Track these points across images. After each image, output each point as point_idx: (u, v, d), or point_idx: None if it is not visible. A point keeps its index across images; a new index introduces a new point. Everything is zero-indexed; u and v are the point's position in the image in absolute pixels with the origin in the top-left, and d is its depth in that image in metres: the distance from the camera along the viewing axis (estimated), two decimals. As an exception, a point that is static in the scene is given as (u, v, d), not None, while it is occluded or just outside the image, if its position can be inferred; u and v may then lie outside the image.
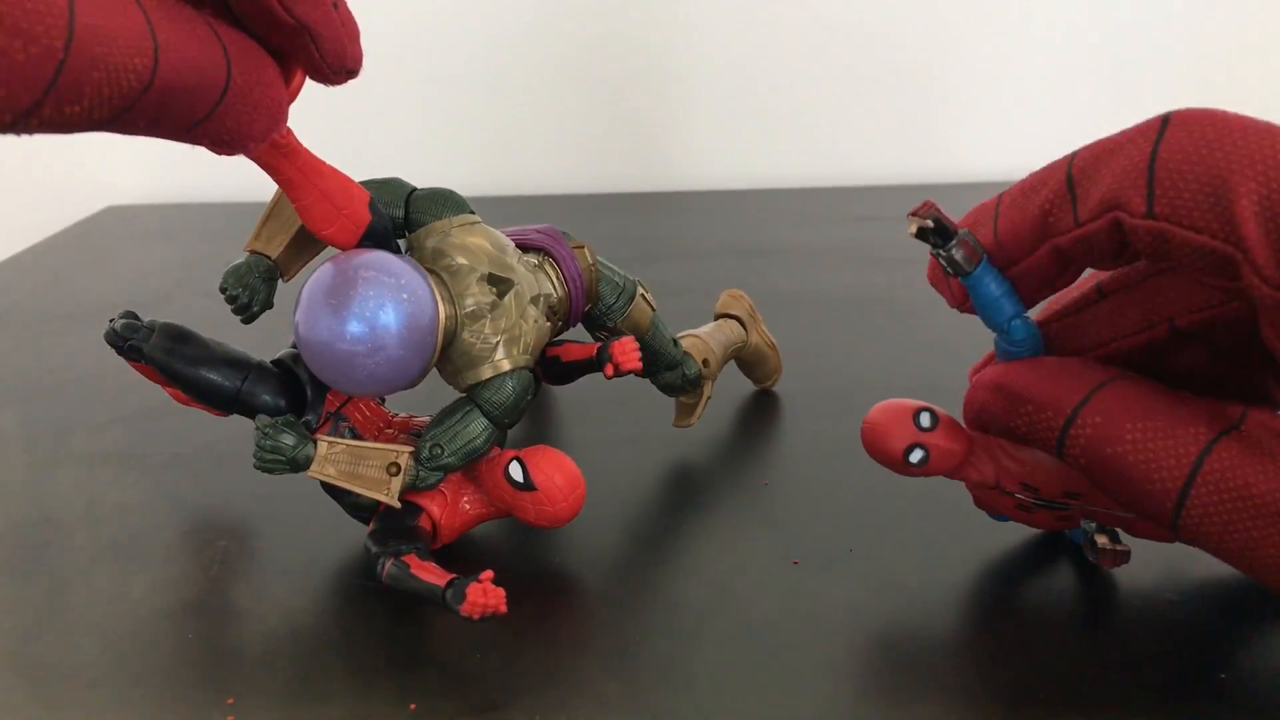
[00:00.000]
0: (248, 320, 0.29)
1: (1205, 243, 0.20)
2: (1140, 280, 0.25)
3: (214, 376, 0.29)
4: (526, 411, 0.30)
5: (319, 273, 0.27)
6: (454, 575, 0.26)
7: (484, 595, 0.25)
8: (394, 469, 0.28)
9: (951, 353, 0.46)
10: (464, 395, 0.29)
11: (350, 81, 0.23)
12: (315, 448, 0.28)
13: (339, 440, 0.28)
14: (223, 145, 0.21)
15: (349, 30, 0.22)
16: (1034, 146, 0.80)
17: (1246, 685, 0.25)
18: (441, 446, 0.28)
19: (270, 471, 0.27)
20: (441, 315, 0.28)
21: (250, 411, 0.29)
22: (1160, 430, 0.23)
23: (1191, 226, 0.20)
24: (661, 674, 0.26)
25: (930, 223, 0.25)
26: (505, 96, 0.78)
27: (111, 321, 0.30)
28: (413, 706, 0.25)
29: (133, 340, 0.29)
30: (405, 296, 0.26)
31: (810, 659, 0.26)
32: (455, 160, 0.79)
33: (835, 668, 0.26)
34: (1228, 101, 0.78)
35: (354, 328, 0.26)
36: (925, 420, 0.27)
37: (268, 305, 0.29)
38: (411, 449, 0.28)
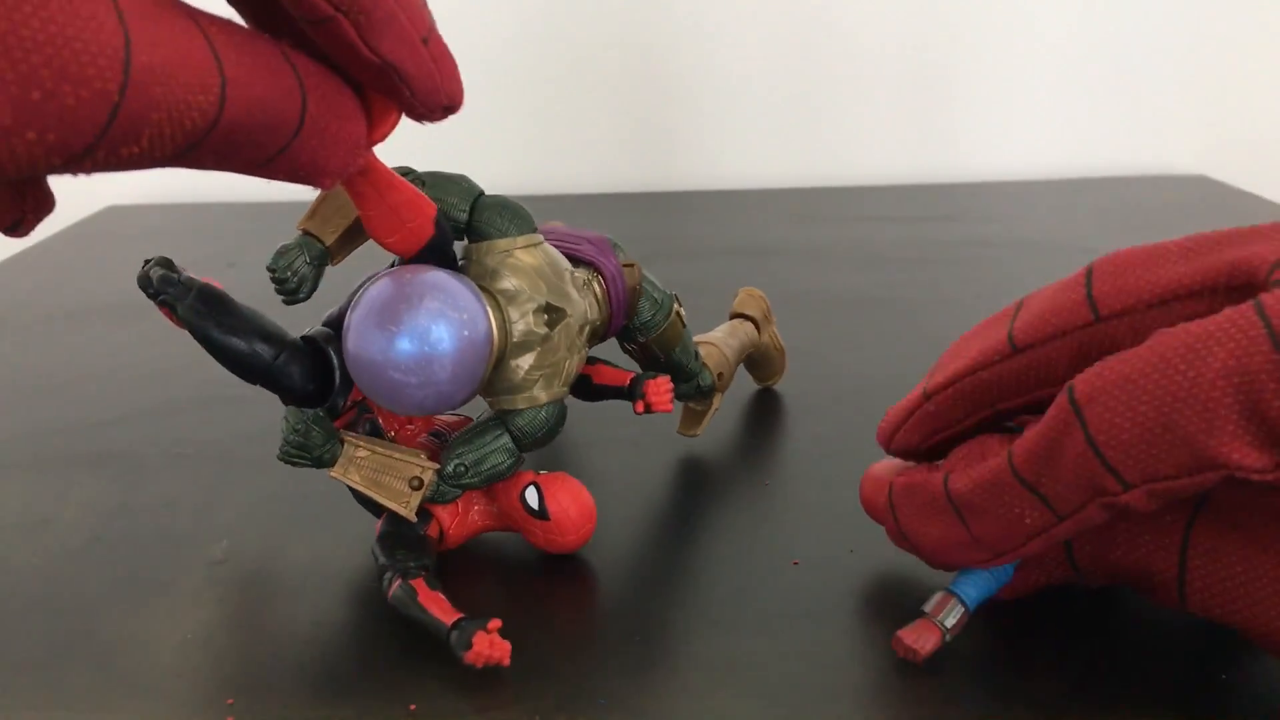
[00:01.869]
0: (291, 303, 0.28)
1: (1193, 482, 0.20)
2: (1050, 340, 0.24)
3: (247, 348, 0.27)
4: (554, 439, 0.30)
5: (379, 288, 0.26)
6: (460, 615, 0.26)
7: (489, 647, 0.25)
8: (416, 483, 0.28)
9: (952, 353, 0.46)
10: (495, 417, 0.29)
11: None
12: (342, 448, 0.27)
13: (365, 443, 0.27)
14: (298, 179, 0.20)
15: (442, 68, 0.21)
16: (1034, 147, 0.80)
17: (1246, 685, 0.25)
18: (466, 466, 0.28)
19: (292, 464, 0.27)
20: (495, 343, 0.27)
21: (277, 388, 0.28)
22: (1143, 522, 0.24)
23: (1169, 476, 0.20)
24: (662, 673, 0.26)
25: (928, 651, 0.25)
26: (512, 98, 0.78)
27: (146, 265, 0.28)
28: (413, 707, 0.25)
29: (166, 295, 0.27)
30: (466, 333, 0.26)
31: (810, 659, 0.26)
32: (464, 160, 0.78)
33: (835, 668, 0.26)
34: (1226, 104, 0.78)
35: (408, 356, 0.25)
36: None
37: (313, 291, 0.28)
38: (436, 466, 0.28)
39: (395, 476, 0.28)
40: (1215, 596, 0.23)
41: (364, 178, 0.24)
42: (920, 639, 0.25)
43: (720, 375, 0.37)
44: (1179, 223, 0.67)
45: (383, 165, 0.24)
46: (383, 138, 0.22)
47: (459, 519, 0.30)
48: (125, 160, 0.16)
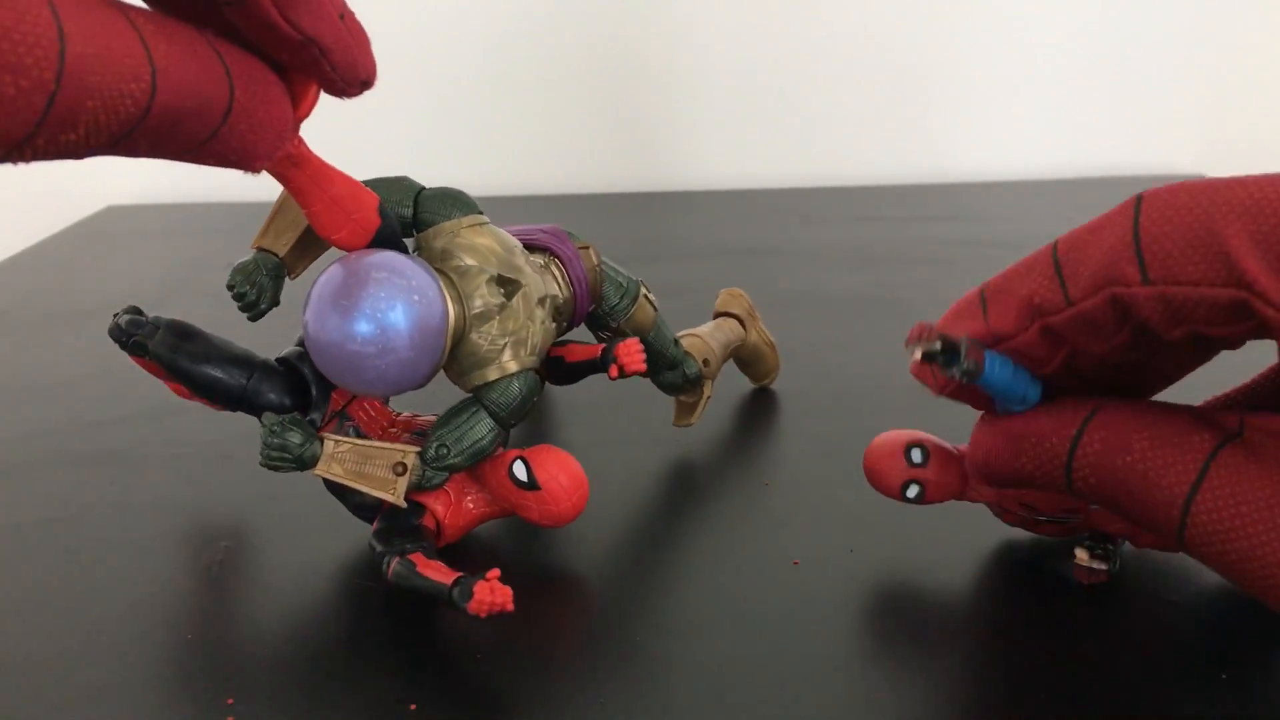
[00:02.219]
0: (255, 318, 0.29)
1: (1209, 293, 0.20)
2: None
3: (219, 374, 0.29)
4: (531, 412, 0.30)
5: (329, 272, 0.27)
6: (460, 574, 0.26)
7: (491, 593, 0.25)
8: (400, 469, 0.28)
9: (951, 353, 0.46)
10: (470, 396, 0.29)
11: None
12: (322, 446, 0.28)
13: (345, 439, 0.28)
14: (228, 164, 0.21)
15: (358, 40, 0.22)
16: (1032, 147, 0.80)
17: (1246, 685, 0.25)
18: (448, 447, 0.28)
19: (276, 469, 0.27)
20: (451, 316, 0.28)
21: (256, 410, 0.29)
22: (1166, 439, 0.23)
23: (1191, 282, 0.20)
24: (662, 674, 0.26)
25: (938, 344, 0.24)
26: (506, 97, 0.78)
27: (116, 316, 0.29)
28: (413, 706, 0.25)
29: (137, 336, 0.29)
30: (416, 298, 0.26)
31: (811, 659, 0.26)
32: (456, 160, 0.79)
33: (836, 668, 0.26)
34: (1225, 104, 0.78)
35: (364, 328, 0.26)
36: (916, 456, 0.28)
37: (275, 303, 0.29)
38: (418, 449, 0.28)
39: (378, 465, 0.28)
40: (1222, 523, 0.22)
41: (299, 169, 0.24)
42: (925, 333, 0.24)
43: (706, 362, 0.37)
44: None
45: (317, 158, 0.25)
46: (304, 116, 0.23)
47: (453, 509, 0.30)
48: (64, 148, 0.17)
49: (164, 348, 0.28)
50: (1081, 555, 0.28)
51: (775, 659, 0.26)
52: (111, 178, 0.79)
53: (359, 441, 0.28)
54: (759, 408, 0.41)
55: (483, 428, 0.29)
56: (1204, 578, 0.29)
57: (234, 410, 0.30)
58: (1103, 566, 0.28)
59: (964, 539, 0.31)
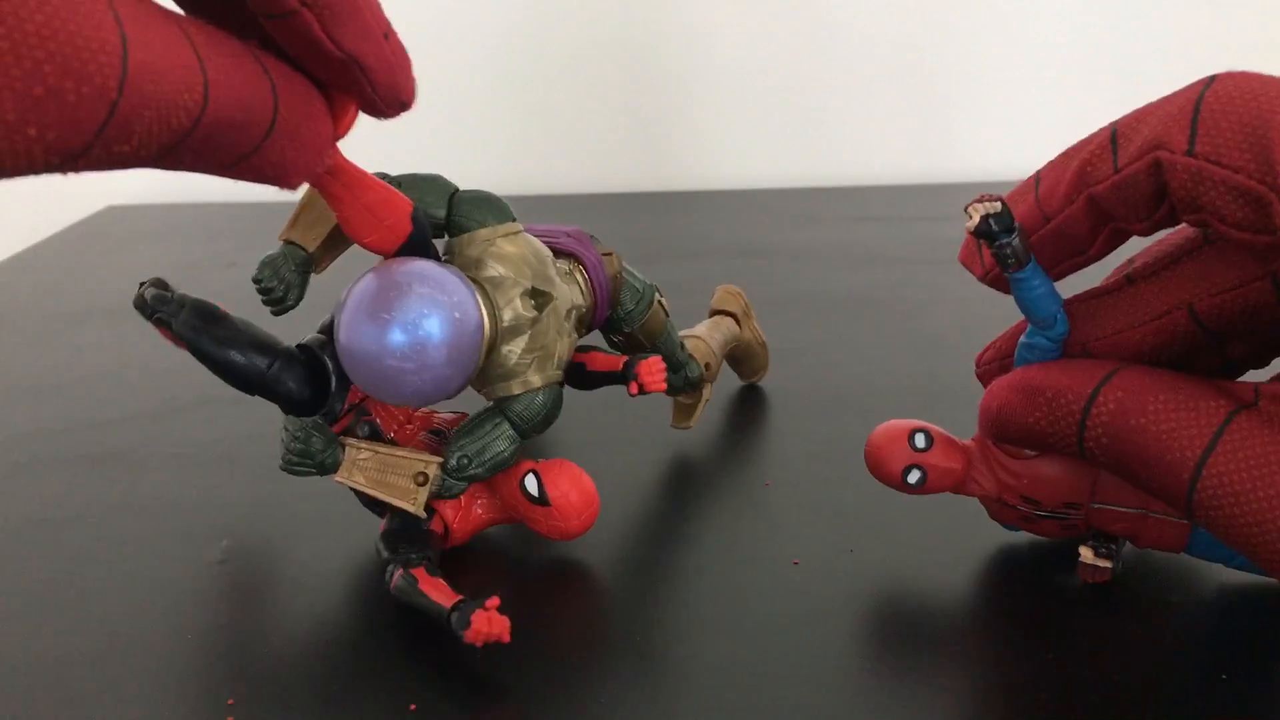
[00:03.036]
0: (280, 313, 0.28)
1: (1241, 182, 0.21)
2: (1167, 265, 0.25)
3: (241, 359, 0.28)
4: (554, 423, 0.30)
5: (367, 281, 0.26)
6: (460, 597, 0.26)
7: (488, 624, 0.25)
8: (421, 479, 0.28)
9: (952, 352, 0.46)
10: (493, 406, 0.29)
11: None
12: (344, 453, 0.27)
13: (367, 445, 0.28)
14: (266, 180, 0.21)
15: (400, 62, 0.21)
16: (1035, 146, 0.80)
17: (1247, 685, 0.25)
18: (469, 458, 0.28)
19: (296, 474, 0.27)
20: (486, 329, 0.27)
21: (274, 396, 0.29)
22: (1182, 402, 0.23)
23: (1229, 166, 0.21)
24: (662, 673, 0.26)
25: (999, 205, 0.24)
26: (510, 97, 0.78)
27: (142, 287, 0.29)
28: (413, 707, 0.25)
29: (161, 313, 0.28)
30: (456, 315, 0.26)
31: (811, 659, 0.26)
32: (461, 160, 0.79)
33: (836, 668, 0.26)
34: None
35: (403, 345, 0.25)
36: (920, 441, 0.28)
37: (300, 299, 0.28)
38: (440, 459, 0.28)
39: (399, 474, 0.28)
40: (1232, 488, 0.22)
41: (334, 178, 0.24)
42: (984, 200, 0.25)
43: (708, 366, 0.37)
44: (1179, 223, 0.67)
45: (352, 165, 0.24)
46: (343, 134, 0.22)
47: (462, 513, 0.30)
48: (115, 159, 0.16)
49: (188, 329, 0.28)
50: (1086, 553, 0.28)
51: (775, 659, 0.26)
52: (111, 178, 0.79)
53: (381, 449, 0.28)
54: (759, 408, 0.41)
55: (504, 440, 0.29)
56: (1204, 580, 0.29)
57: (250, 394, 0.29)
58: (1107, 565, 0.28)
59: (964, 540, 0.31)
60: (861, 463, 0.29)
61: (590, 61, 0.77)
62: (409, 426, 0.30)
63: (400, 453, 0.28)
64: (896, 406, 0.40)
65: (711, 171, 0.80)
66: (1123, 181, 0.23)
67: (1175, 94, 0.23)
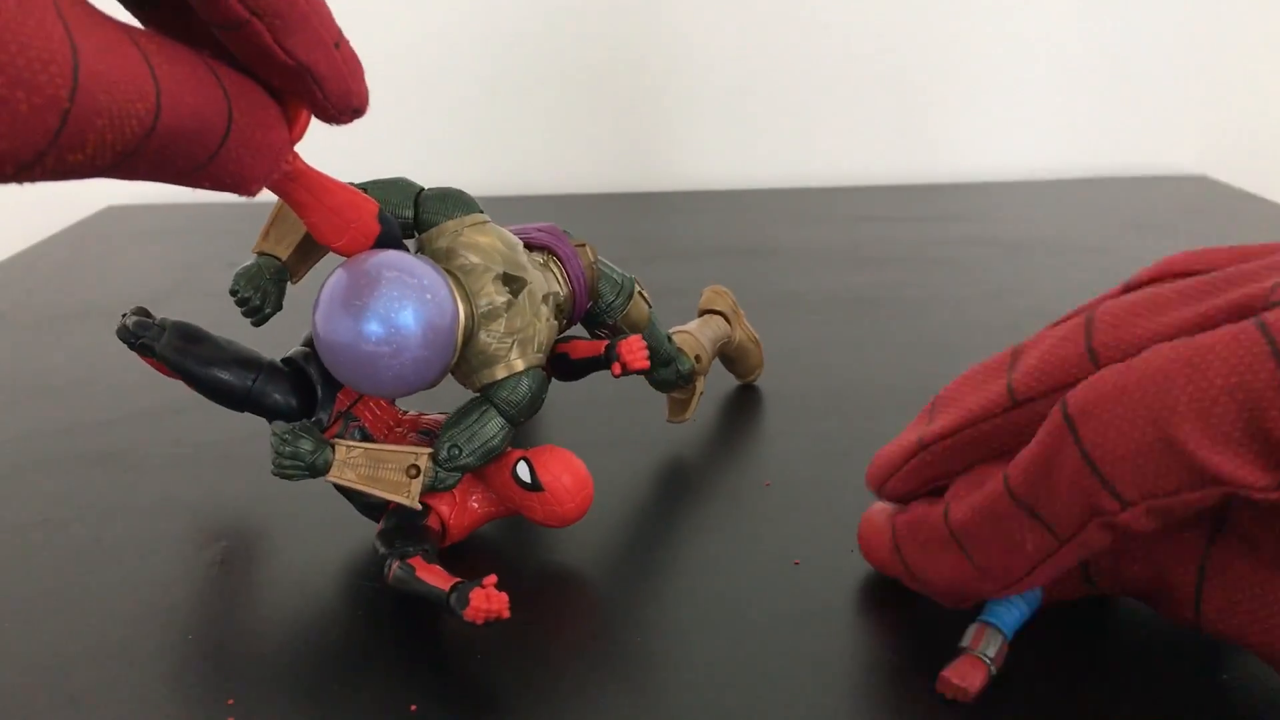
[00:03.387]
0: (259, 323, 0.29)
1: (1193, 499, 0.19)
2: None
3: (225, 376, 0.29)
4: (540, 409, 0.30)
5: (337, 274, 0.27)
6: (458, 580, 0.26)
7: (487, 601, 0.25)
8: (413, 471, 0.28)
9: (951, 352, 0.46)
10: (478, 395, 0.29)
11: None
12: (333, 452, 0.27)
13: (356, 444, 0.28)
14: (224, 188, 0.21)
15: (352, 69, 0.21)
16: (1032, 147, 0.80)
17: (1247, 685, 0.25)
18: (459, 447, 0.28)
19: (289, 478, 0.27)
20: (461, 315, 0.28)
21: (262, 410, 0.29)
22: (1160, 543, 0.24)
23: (1169, 493, 0.20)
24: (662, 673, 0.26)
25: (978, 688, 0.24)
26: (505, 97, 0.78)
27: (124, 317, 0.29)
28: (413, 707, 0.25)
29: (144, 338, 0.29)
30: (428, 297, 0.26)
31: (811, 659, 0.26)
32: (455, 161, 0.79)
33: (836, 668, 0.26)
34: (1225, 104, 0.78)
35: (377, 329, 0.26)
36: None
37: (278, 308, 0.29)
38: (430, 450, 0.28)
39: (391, 469, 0.28)
40: (1230, 616, 0.23)
41: (297, 184, 0.24)
42: (967, 676, 0.24)
43: (698, 358, 0.37)
44: (1179, 223, 0.67)
45: (313, 170, 0.25)
46: (296, 139, 0.23)
47: (458, 509, 0.30)
48: (70, 168, 0.16)
49: (170, 350, 0.29)
50: None
51: (775, 659, 0.26)
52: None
53: (370, 446, 0.28)
54: (758, 408, 0.41)
55: (493, 426, 0.29)
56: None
57: (240, 411, 0.30)
58: None
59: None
60: (861, 463, 0.29)
61: (583, 63, 0.77)
62: (398, 429, 0.30)
63: (390, 447, 0.28)
64: (896, 406, 0.40)
65: (708, 172, 0.81)
66: (1081, 544, 0.21)
67: (1051, 445, 0.21)
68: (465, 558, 0.31)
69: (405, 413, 0.31)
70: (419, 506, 0.28)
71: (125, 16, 0.20)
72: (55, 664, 0.27)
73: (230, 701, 0.25)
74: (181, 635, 0.28)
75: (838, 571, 0.30)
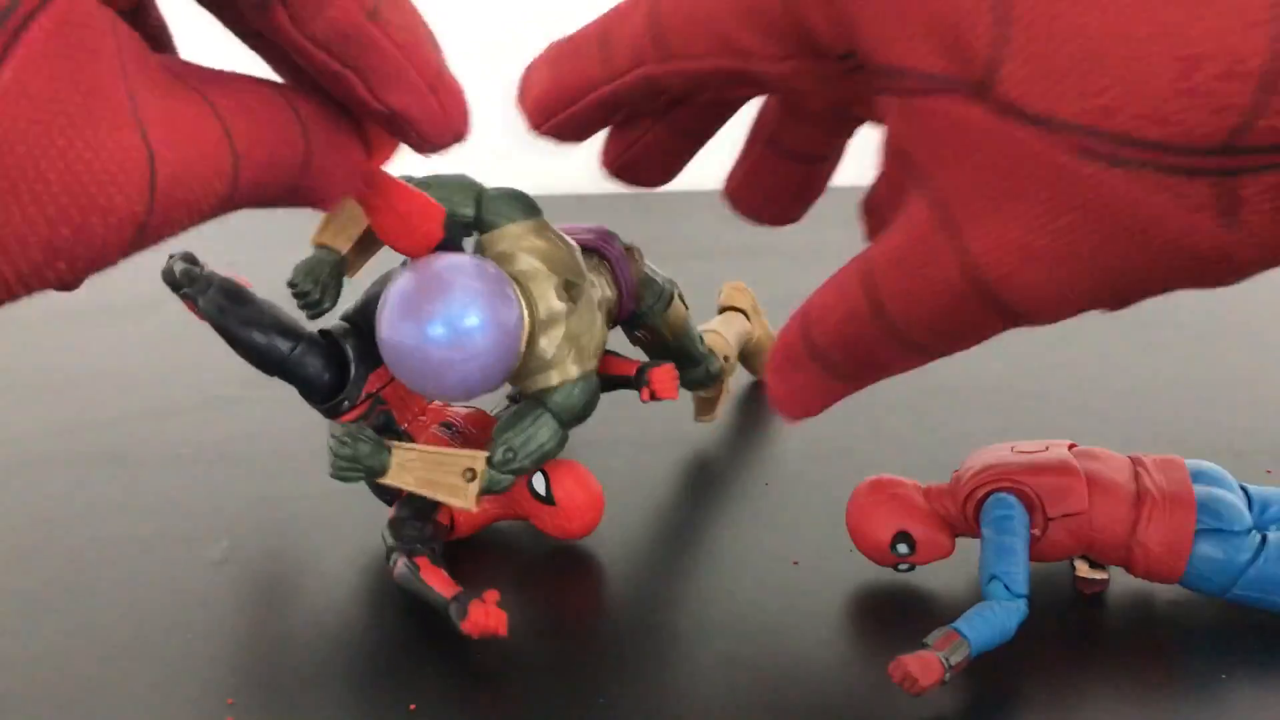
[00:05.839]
0: (315, 316, 0.28)
1: (715, 65, 0.22)
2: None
3: (265, 340, 0.29)
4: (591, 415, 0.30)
5: (406, 277, 0.27)
6: (460, 589, 0.26)
7: (485, 617, 0.25)
8: (469, 474, 0.28)
9: (952, 353, 0.46)
10: (532, 398, 0.29)
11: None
12: (390, 455, 0.27)
13: (413, 447, 0.28)
14: (300, 206, 0.21)
15: (448, 110, 0.21)
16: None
17: (1247, 685, 0.25)
18: (514, 450, 0.28)
19: (346, 480, 0.27)
20: (526, 321, 0.27)
21: (294, 379, 0.29)
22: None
23: (697, 55, 0.22)
24: (662, 673, 0.26)
25: (928, 685, 0.24)
26: (510, 98, 0.78)
27: (171, 259, 0.29)
28: (413, 706, 0.25)
29: (188, 291, 0.29)
30: (496, 303, 0.26)
31: (810, 659, 0.26)
32: (459, 160, 0.79)
33: (836, 668, 0.26)
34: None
35: (445, 335, 0.26)
36: (904, 549, 0.28)
37: (335, 302, 0.28)
38: (486, 454, 0.28)
39: (448, 472, 0.28)
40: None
41: (370, 188, 0.24)
42: (923, 671, 0.24)
43: (726, 359, 0.38)
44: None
45: (390, 177, 0.25)
46: (383, 162, 0.23)
47: None
48: (141, 250, 0.16)
49: (213, 307, 0.29)
50: (1081, 567, 0.28)
51: (775, 659, 0.26)
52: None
53: (426, 449, 0.28)
54: (758, 408, 0.41)
55: (547, 431, 0.29)
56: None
57: (269, 374, 0.29)
58: (1103, 576, 0.28)
59: (963, 540, 0.31)
60: (861, 463, 0.29)
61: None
62: (422, 418, 0.30)
63: (446, 451, 0.28)
64: (895, 406, 0.40)
65: (711, 171, 0.80)
66: (622, 88, 0.23)
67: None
68: (471, 551, 0.31)
69: (431, 402, 0.31)
70: (475, 509, 0.28)
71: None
72: (55, 663, 0.27)
73: (230, 701, 0.25)
74: (181, 635, 0.28)
75: (838, 571, 0.30)
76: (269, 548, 0.32)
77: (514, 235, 0.29)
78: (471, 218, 0.29)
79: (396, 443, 0.28)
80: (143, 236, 0.15)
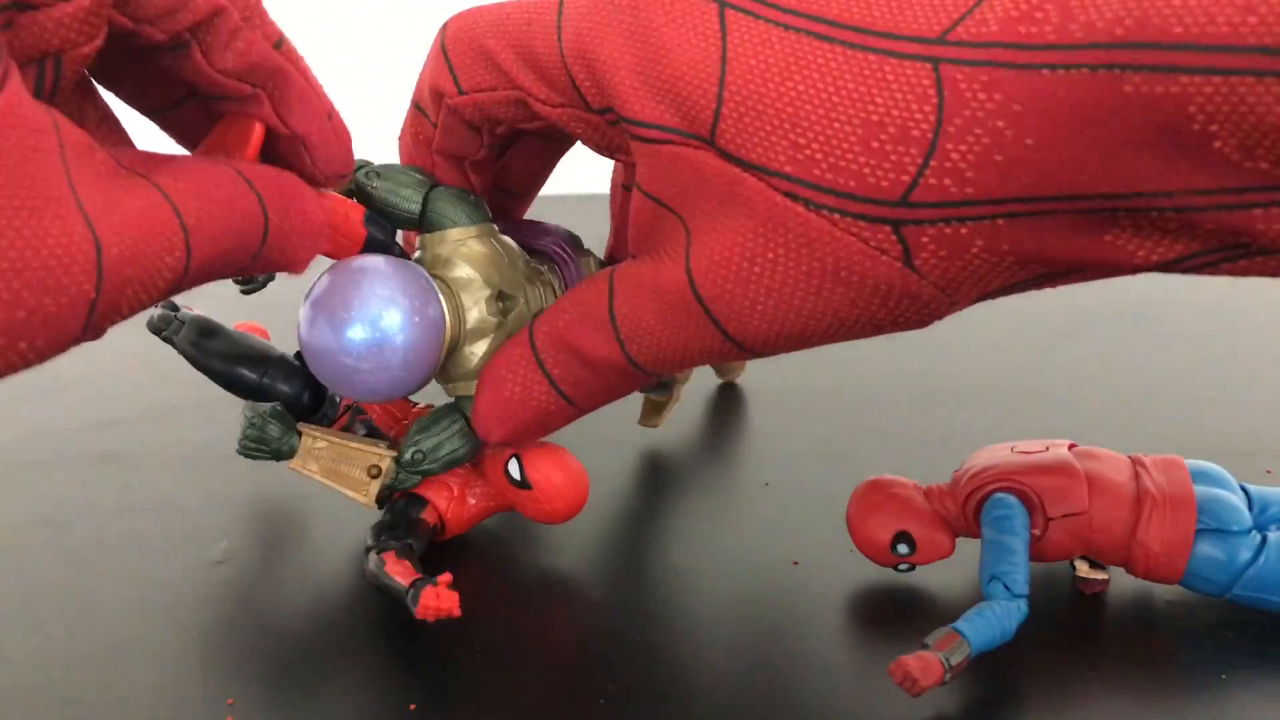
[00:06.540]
0: (247, 291, 0.31)
1: (502, 96, 0.25)
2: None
3: (237, 369, 0.31)
4: None
5: (327, 278, 0.26)
6: (419, 576, 0.26)
7: (436, 599, 0.25)
8: (374, 471, 0.28)
9: (949, 351, 0.46)
10: (452, 403, 0.29)
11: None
12: (299, 441, 0.28)
13: (325, 435, 0.28)
14: (275, 270, 0.22)
15: (341, 140, 0.23)
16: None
17: (1247, 685, 0.25)
18: (423, 453, 0.28)
19: (252, 458, 0.28)
20: (448, 329, 0.27)
21: (273, 401, 0.30)
22: None
23: (487, 88, 0.25)
24: (662, 673, 0.26)
25: (928, 685, 0.24)
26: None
27: (154, 307, 0.31)
28: (412, 706, 0.25)
29: (166, 332, 0.31)
30: (416, 319, 0.25)
31: (810, 659, 0.26)
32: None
33: (836, 668, 0.26)
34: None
35: (360, 342, 0.25)
36: (904, 550, 0.28)
37: (267, 280, 0.31)
38: (394, 454, 0.28)
39: (353, 466, 0.28)
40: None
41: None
42: (924, 672, 0.24)
43: None
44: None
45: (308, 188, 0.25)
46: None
47: (455, 504, 0.30)
48: (109, 327, 0.18)
49: (187, 344, 0.31)
50: (1082, 567, 0.28)
51: (775, 659, 0.26)
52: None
53: (337, 439, 0.28)
54: (758, 408, 0.41)
55: (459, 438, 0.29)
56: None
57: (257, 401, 0.30)
58: (1103, 576, 0.28)
59: (962, 540, 0.31)
60: (861, 463, 0.29)
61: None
62: (405, 422, 0.31)
63: (355, 444, 0.28)
64: (895, 406, 0.40)
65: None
66: (444, 129, 0.27)
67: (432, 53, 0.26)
68: (464, 559, 0.31)
69: (416, 404, 0.31)
70: (374, 506, 0.28)
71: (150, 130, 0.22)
72: (55, 663, 0.27)
73: (230, 701, 0.25)
74: (181, 635, 0.28)
75: (837, 571, 0.30)
76: (269, 547, 0.32)
77: (455, 239, 0.28)
78: (415, 214, 0.28)
79: (310, 429, 0.28)
80: (97, 313, 0.17)
